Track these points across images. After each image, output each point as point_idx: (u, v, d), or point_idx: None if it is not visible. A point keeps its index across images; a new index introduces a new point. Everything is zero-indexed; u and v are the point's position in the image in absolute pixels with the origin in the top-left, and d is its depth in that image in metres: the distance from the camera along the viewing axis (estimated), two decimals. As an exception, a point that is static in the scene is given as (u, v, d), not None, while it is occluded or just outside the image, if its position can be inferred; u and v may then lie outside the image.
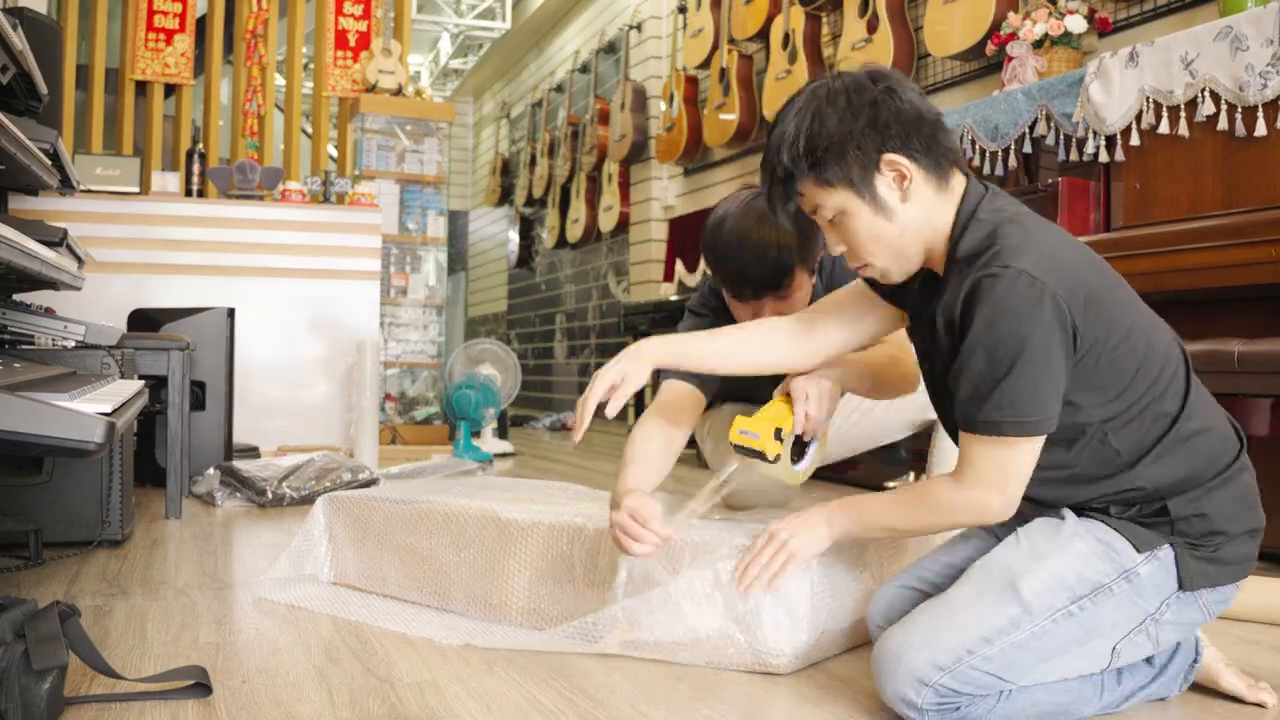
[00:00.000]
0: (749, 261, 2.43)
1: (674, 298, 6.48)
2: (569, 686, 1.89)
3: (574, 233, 9.16)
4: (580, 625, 2.11)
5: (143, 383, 2.71)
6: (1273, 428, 2.74)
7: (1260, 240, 2.88)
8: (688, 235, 6.94)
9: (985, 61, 4.93)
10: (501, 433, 6.99)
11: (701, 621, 2.01)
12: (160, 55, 7.36)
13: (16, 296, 3.66)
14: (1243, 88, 3.13)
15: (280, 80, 8.94)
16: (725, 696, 1.85)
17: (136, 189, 5.77)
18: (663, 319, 6.52)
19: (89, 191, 5.58)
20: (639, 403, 6.99)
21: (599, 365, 8.70)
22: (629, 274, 8.39)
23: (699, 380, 2.43)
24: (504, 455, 6.58)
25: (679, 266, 6.97)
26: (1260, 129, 3.11)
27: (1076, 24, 4.23)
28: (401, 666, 2.00)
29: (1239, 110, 3.18)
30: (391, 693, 1.84)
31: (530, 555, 2.31)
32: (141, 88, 7.47)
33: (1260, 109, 3.11)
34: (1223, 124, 3.22)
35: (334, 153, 8.39)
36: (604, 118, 8.60)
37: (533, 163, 10.23)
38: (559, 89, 9.89)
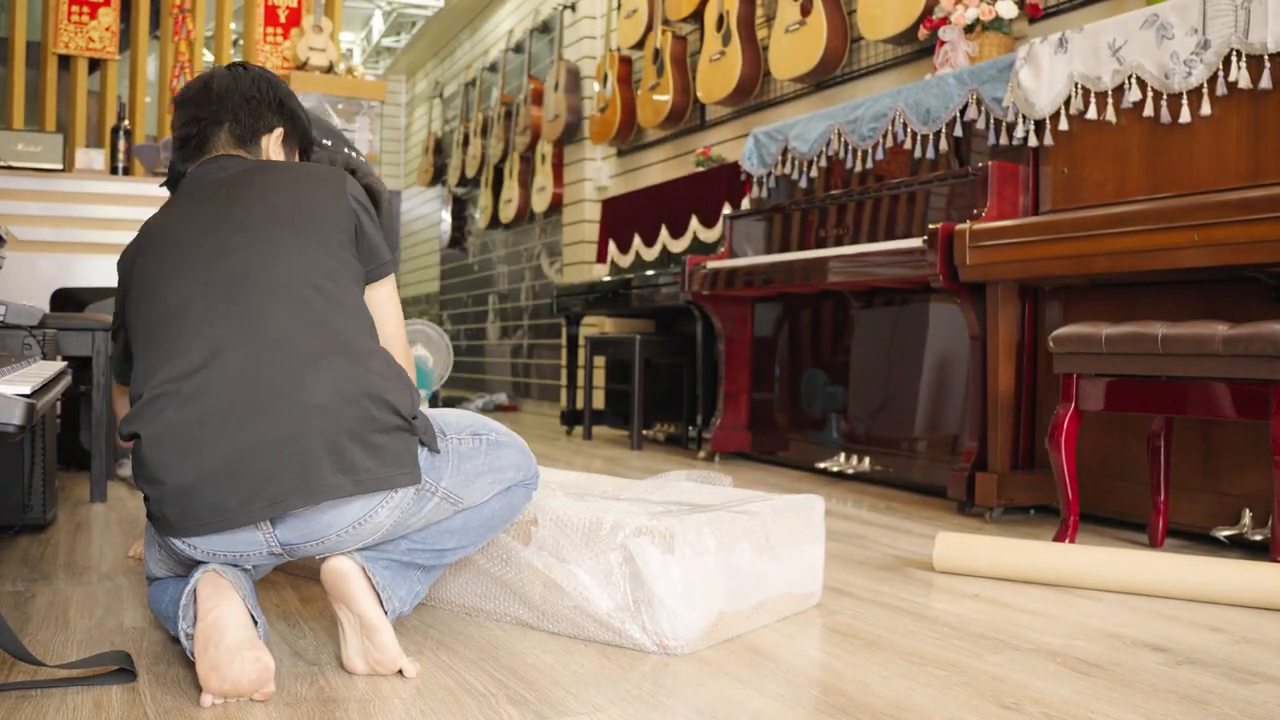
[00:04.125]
0: None
1: (607, 278, 6.48)
2: (499, 668, 1.88)
3: (507, 213, 9.11)
4: (501, 549, 2.17)
5: (65, 363, 2.65)
6: (1195, 410, 2.79)
7: (1184, 225, 2.93)
8: (621, 216, 6.93)
9: (918, 45, 4.97)
10: (434, 414, 6.94)
11: (601, 600, 2.03)
12: (84, 29, 7.19)
13: (-66, 275, 3.58)
14: (1168, 75, 3.18)
15: (209, 56, 8.78)
16: (656, 676, 1.86)
17: (59, 166, 5.66)
18: (596, 300, 6.51)
19: (10, 168, 5.46)
20: (571, 344, 6.99)
21: (532, 346, 8.68)
22: (562, 254, 8.37)
23: None
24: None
25: (612, 247, 6.96)
26: (1185, 116, 3.16)
27: (1007, 9, 4.28)
28: (330, 650, 1.98)
29: (1164, 97, 3.23)
30: (320, 677, 1.82)
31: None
32: (65, 62, 7.31)
33: (1185, 96, 3.16)
34: (1149, 110, 3.26)
35: (264, 130, 8.24)
36: (538, 98, 8.55)
37: (465, 142, 10.16)
38: (493, 68, 9.82)
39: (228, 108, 2.17)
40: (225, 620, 1.70)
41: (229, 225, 1.96)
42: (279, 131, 2.23)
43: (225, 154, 2.17)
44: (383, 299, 2.11)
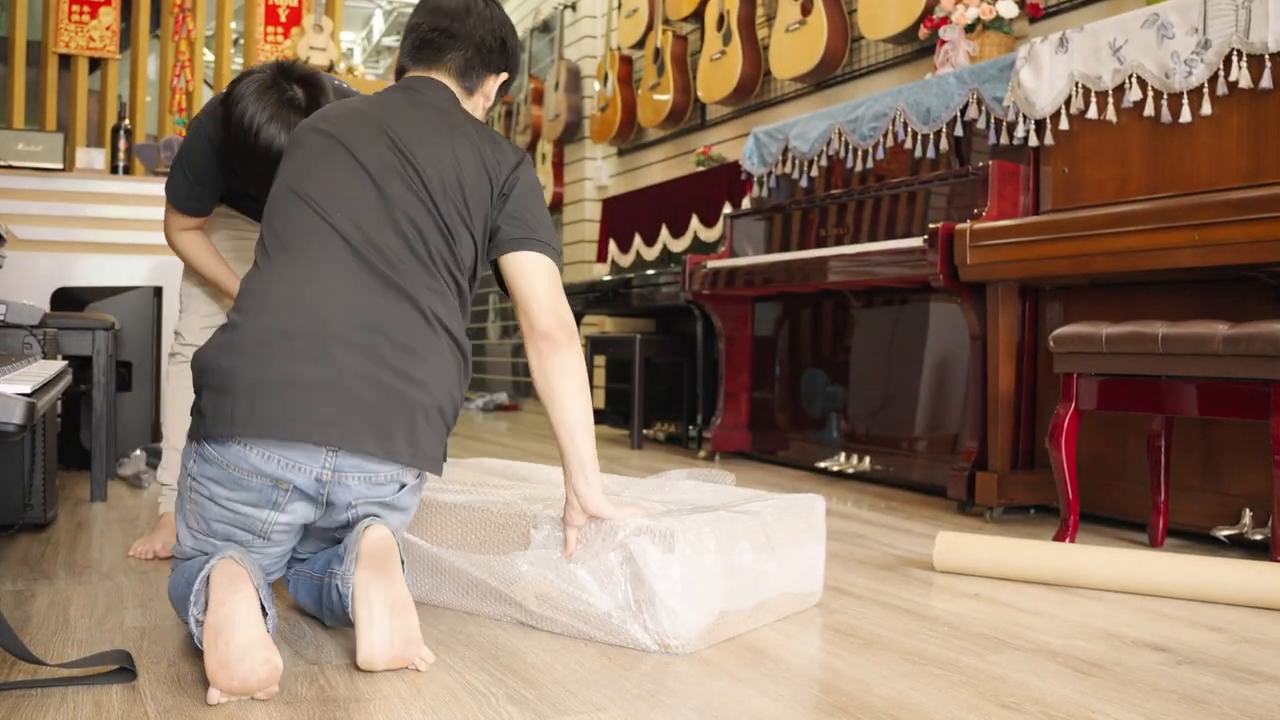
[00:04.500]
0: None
1: (607, 278, 6.47)
2: (499, 668, 1.88)
3: (508, 212, 9.09)
4: (496, 563, 2.16)
5: (66, 363, 2.65)
6: (1195, 410, 2.79)
7: (1184, 225, 2.92)
8: (621, 215, 6.93)
9: (918, 45, 4.97)
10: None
11: (601, 600, 2.03)
12: (85, 28, 7.20)
13: (-66, 274, 3.58)
14: (1169, 75, 3.18)
15: (209, 55, 8.79)
16: (656, 675, 1.86)
17: (60, 165, 5.66)
18: (596, 299, 6.51)
19: (10, 167, 5.46)
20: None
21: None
22: (562, 254, 8.37)
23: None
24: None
25: (612, 247, 6.96)
26: (1185, 115, 3.16)
27: (1008, 9, 4.28)
28: (330, 649, 1.98)
29: (1165, 97, 3.23)
30: (320, 676, 1.82)
31: (452, 536, 2.30)
32: (65, 61, 7.31)
33: (1185, 96, 3.16)
34: (1149, 110, 3.26)
35: (264, 130, 8.24)
36: (538, 97, 8.55)
37: (467, 142, 10.14)
38: (493, 68, 9.80)
39: (474, 38, 2.23)
40: (237, 616, 1.70)
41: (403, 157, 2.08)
42: (504, 75, 2.32)
43: (439, 81, 2.23)
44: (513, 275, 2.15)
